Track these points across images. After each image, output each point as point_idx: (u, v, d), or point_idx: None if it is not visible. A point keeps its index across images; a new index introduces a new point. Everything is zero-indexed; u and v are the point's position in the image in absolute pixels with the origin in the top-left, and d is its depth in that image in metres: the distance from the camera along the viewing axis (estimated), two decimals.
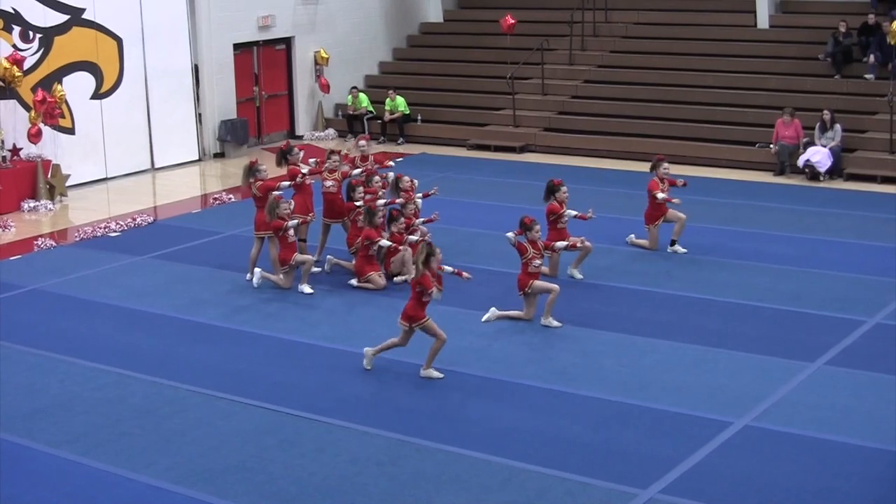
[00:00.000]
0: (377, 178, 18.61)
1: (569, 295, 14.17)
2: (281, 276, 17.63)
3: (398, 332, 14.23)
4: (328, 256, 18.62)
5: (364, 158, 19.93)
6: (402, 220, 17.52)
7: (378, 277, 17.58)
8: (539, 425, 12.86)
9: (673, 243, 18.63)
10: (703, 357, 14.63)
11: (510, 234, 15.80)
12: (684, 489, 11.25)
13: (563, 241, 16.72)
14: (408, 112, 29.62)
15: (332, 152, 19.24)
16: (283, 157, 18.84)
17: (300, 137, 29.60)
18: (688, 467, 11.72)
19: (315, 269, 18.27)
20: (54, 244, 20.71)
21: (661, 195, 18.23)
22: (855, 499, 10.85)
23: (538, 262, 15.91)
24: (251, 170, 17.99)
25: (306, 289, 17.50)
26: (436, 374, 14.14)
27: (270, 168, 19.79)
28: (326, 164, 18.81)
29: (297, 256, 17.49)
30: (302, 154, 19.08)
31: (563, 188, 17.16)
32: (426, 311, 14.05)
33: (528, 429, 12.77)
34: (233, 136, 27.95)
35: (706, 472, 11.67)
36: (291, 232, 17.31)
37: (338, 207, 18.70)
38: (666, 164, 18.84)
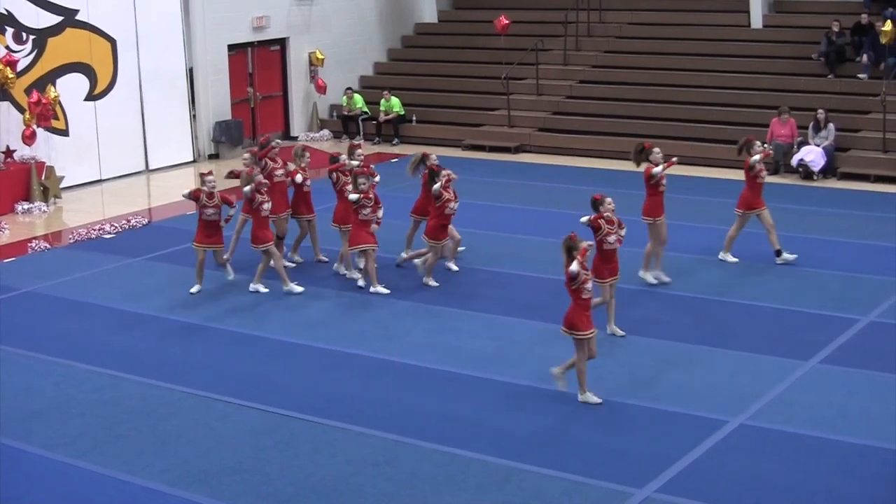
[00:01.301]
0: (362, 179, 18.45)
1: (565, 296, 14.15)
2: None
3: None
4: (402, 254, 18.88)
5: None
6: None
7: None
8: (535, 426, 12.90)
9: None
10: (699, 356, 14.68)
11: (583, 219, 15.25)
12: (681, 488, 11.27)
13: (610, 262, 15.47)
14: (402, 113, 29.64)
15: (304, 149, 19.22)
16: (262, 149, 18.85)
17: (295, 138, 29.62)
18: (684, 466, 11.75)
19: (289, 264, 18.72)
20: (48, 246, 20.74)
21: (657, 169, 17.35)
22: (852, 497, 10.89)
23: (612, 238, 15.10)
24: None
25: (261, 288, 17.71)
26: (594, 398, 13.35)
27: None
28: (300, 163, 18.76)
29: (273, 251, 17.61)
30: (278, 150, 19.07)
31: (608, 200, 15.49)
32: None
33: (524, 429, 12.80)
34: (227, 137, 27.97)
35: (702, 471, 11.70)
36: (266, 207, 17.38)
37: (310, 204, 18.88)
38: (656, 150, 17.82)
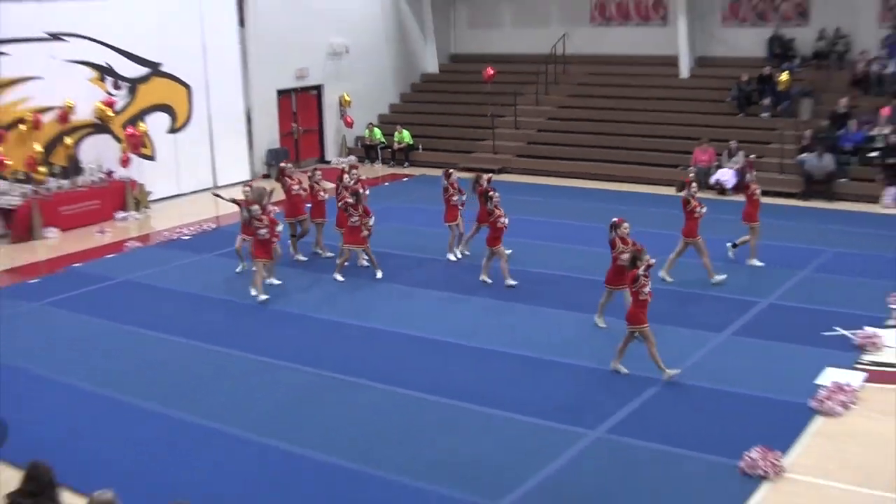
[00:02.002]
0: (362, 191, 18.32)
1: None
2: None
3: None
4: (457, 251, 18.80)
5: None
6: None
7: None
8: (510, 384, 12.96)
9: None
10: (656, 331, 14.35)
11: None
12: (625, 429, 11.45)
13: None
14: (411, 142, 29.67)
15: (316, 169, 19.51)
16: (281, 173, 19.31)
17: (328, 162, 29.68)
18: (628, 412, 11.88)
19: (303, 258, 18.95)
20: (139, 245, 20.82)
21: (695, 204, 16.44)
22: (754, 439, 10.92)
23: (626, 256, 13.73)
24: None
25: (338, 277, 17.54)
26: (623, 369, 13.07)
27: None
28: (312, 177, 19.07)
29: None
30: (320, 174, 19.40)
31: (626, 224, 14.66)
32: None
33: (502, 385, 12.87)
34: (276, 160, 27.83)
35: (643, 416, 11.86)
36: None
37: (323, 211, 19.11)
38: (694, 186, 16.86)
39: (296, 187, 19.05)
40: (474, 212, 18.45)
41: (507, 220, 16.78)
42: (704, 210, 16.64)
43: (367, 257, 18.10)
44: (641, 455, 10.91)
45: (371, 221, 17.66)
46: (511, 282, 16.90)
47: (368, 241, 17.75)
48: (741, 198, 18.17)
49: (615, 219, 14.73)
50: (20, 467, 8.13)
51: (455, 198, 18.71)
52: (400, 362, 13.79)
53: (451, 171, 19.11)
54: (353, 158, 29.16)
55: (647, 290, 12.70)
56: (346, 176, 18.75)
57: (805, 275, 17.28)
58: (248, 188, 17.93)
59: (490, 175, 19.07)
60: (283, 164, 19.93)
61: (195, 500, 7.44)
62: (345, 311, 16.05)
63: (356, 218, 17.42)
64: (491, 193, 17.20)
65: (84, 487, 9.22)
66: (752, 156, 17.74)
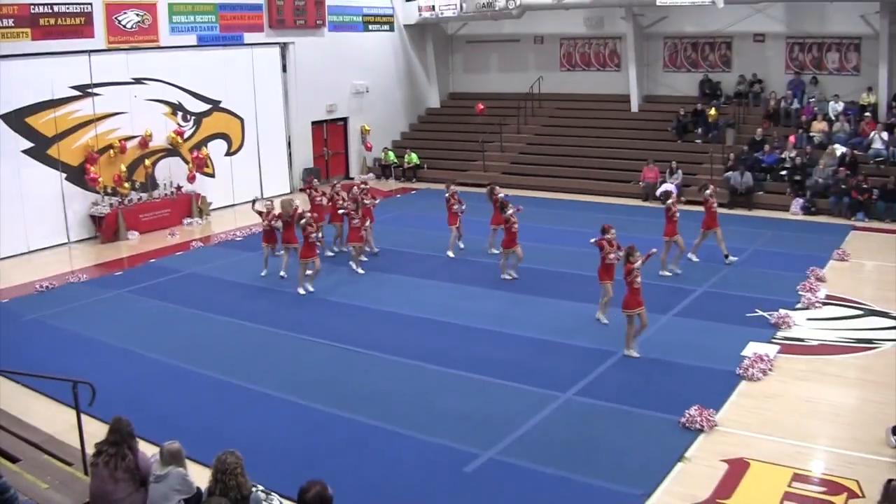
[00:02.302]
0: (367, 200, 18.34)
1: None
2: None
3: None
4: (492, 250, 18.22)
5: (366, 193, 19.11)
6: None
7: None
8: (497, 354, 12.84)
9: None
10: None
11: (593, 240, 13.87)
12: (589, 392, 11.35)
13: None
14: (418, 163, 29.49)
15: (336, 185, 19.28)
16: (306, 184, 19.50)
17: (352, 178, 29.56)
18: (590, 379, 11.77)
19: (330, 253, 18.75)
20: (202, 245, 20.68)
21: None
22: (692, 399, 10.86)
23: (612, 255, 13.76)
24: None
25: (308, 286, 16.20)
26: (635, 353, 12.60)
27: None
28: (333, 189, 18.90)
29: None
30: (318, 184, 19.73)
31: (613, 231, 14.11)
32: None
33: (492, 359, 12.74)
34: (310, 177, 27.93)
35: (602, 381, 11.74)
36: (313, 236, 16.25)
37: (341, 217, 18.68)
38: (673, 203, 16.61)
39: (318, 198, 19.18)
40: (482, 218, 18.53)
41: (517, 226, 16.50)
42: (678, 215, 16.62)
43: (364, 251, 18.06)
44: (601, 412, 10.82)
45: (368, 223, 17.86)
46: (512, 275, 16.56)
47: (366, 240, 17.92)
48: (681, 206, 17.93)
49: (605, 224, 14.28)
50: (105, 422, 8.02)
51: (455, 206, 18.58)
52: (409, 338, 13.64)
53: (451, 185, 18.99)
54: (371, 176, 29.07)
55: (638, 280, 12.50)
56: (355, 188, 18.78)
57: (732, 268, 17.12)
58: (268, 202, 17.80)
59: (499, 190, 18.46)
60: (309, 179, 20.12)
61: (244, 449, 7.29)
62: (364, 298, 15.89)
63: (357, 220, 17.44)
64: (506, 205, 16.82)
65: (156, 438, 9.18)
66: (712, 187, 17.25)
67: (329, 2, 27.87)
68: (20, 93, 19.90)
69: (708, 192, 17.35)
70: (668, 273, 16.55)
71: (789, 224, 21.35)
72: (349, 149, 30.20)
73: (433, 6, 29.90)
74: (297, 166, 27.88)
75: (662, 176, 24.61)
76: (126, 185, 21.98)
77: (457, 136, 30.81)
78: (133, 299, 16.21)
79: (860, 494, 8.81)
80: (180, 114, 23.92)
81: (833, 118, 24.26)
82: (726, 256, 17.31)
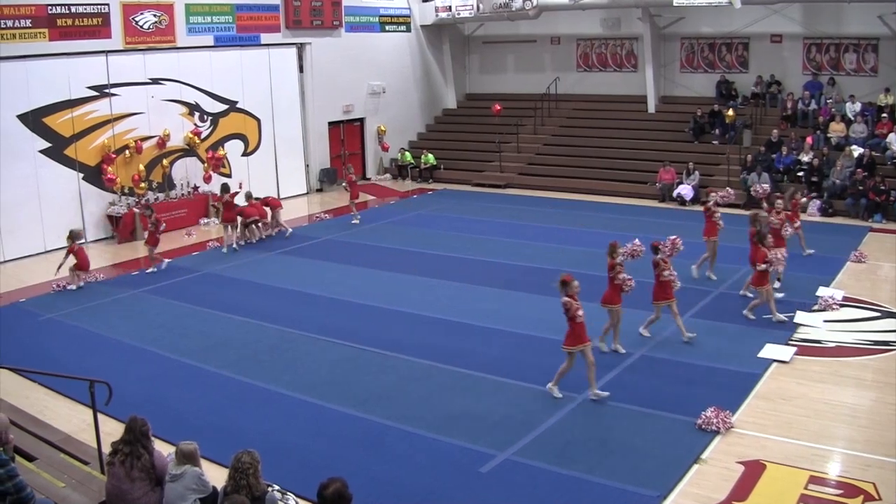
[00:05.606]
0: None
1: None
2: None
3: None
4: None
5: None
6: None
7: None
8: (516, 357, 12.83)
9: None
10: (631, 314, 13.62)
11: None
12: (611, 391, 11.27)
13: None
14: (435, 163, 29.50)
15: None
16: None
17: (368, 179, 29.63)
18: (607, 380, 11.69)
19: None
20: (218, 245, 20.73)
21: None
22: (708, 400, 10.78)
23: (667, 273, 12.91)
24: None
25: None
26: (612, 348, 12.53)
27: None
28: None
29: None
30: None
31: (621, 249, 12.62)
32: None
33: (507, 359, 12.74)
34: (327, 178, 27.94)
35: (619, 382, 11.68)
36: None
37: None
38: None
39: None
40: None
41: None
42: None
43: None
44: (618, 413, 10.77)
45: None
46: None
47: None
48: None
49: (612, 241, 12.82)
50: (122, 421, 8.00)
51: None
52: (424, 339, 13.62)
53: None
54: (387, 176, 29.08)
55: (622, 276, 12.37)
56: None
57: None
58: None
59: None
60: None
61: (260, 448, 7.30)
62: (378, 298, 15.87)
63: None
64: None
65: (172, 437, 9.20)
66: (715, 194, 16.73)
67: (346, 2, 27.95)
68: (38, 93, 20.06)
69: (711, 200, 16.78)
70: (702, 276, 16.23)
71: (806, 226, 20.96)
72: (366, 149, 30.24)
73: (450, 7, 29.96)
74: (314, 166, 27.92)
75: (679, 177, 24.52)
76: (143, 185, 22.07)
77: (473, 137, 30.79)
78: (148, 299, 16.27)
79: (877, 497, 8.73)
80: (197, 114, 24.02)
81: (851, 119, 24.12)
82: (708, 277, 16.35)
